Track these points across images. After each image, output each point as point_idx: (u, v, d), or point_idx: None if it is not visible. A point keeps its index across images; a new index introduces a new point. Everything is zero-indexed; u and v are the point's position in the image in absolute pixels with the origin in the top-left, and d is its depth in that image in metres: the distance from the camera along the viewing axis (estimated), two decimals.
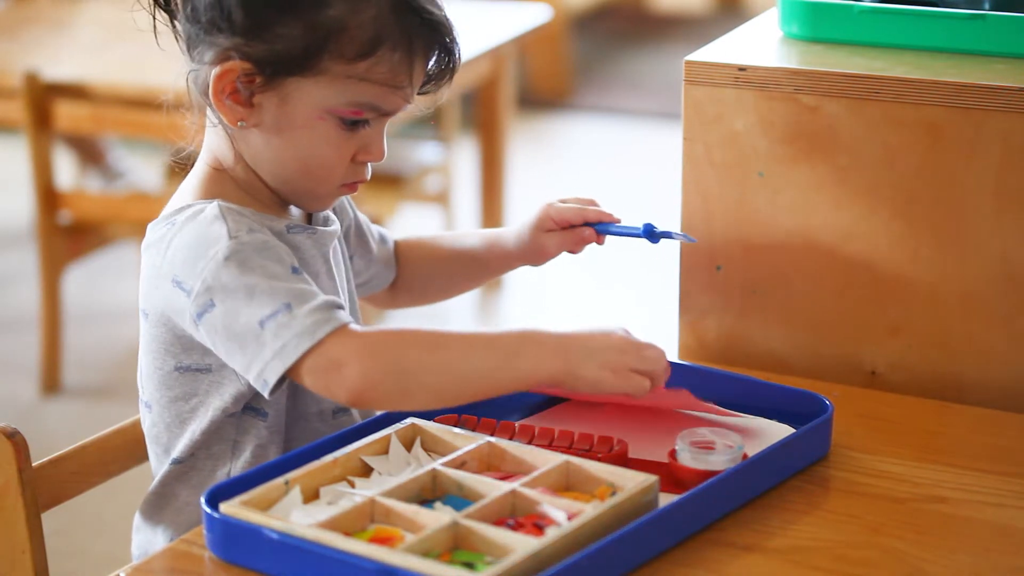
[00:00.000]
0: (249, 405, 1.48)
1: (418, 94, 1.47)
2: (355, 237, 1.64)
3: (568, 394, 1.55)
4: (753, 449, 1.45)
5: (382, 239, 1.69)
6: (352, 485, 1.37)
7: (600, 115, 5.53)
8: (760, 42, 1.75)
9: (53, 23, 3.80)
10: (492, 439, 1.41)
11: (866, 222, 1.65)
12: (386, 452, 1.42)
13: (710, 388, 1.57)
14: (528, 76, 5.66)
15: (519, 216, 1.77)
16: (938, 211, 1.62)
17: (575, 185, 4.82)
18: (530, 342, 1.37)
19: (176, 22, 1.46)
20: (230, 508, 1.30)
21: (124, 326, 3.69)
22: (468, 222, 4.28)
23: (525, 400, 1.57)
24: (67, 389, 3.49)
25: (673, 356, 1.74)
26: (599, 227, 1.62)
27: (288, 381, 1.37)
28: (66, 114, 3.27)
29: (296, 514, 1.32)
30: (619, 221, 1.62)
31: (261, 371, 1.35)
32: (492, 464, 1.41)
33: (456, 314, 3.92)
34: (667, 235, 1.60)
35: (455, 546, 1.28)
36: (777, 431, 1.51)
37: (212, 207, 1.43)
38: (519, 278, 4.03)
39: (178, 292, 1.40)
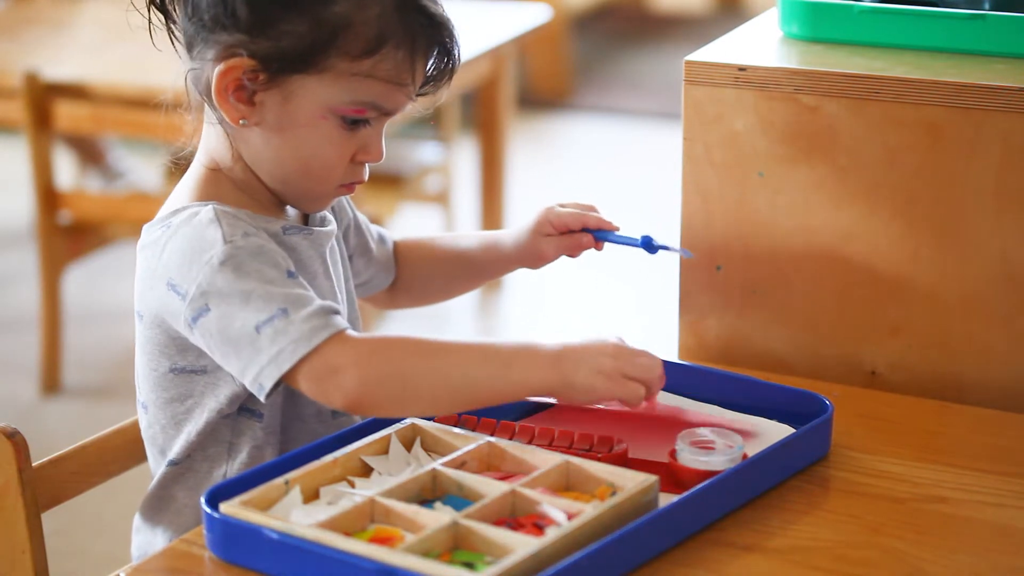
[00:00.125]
0: (244, 406, 1.48)
1: (418, 95, 1.47)
2: (354, 237, 1.64)
3: (565, 404, 1.55)
4: (753, 449, 1.45)
5: (381, 239, 1.69)
6: (352, 485, 1.37)
7: (600, 115, 5.54)
8: (760, 42, 1.75)
9: (53, 23, 3.80)
10: (492, 439, 1.41)
11: (866, 222, 1.65)
12: (386, 452, 1.42)
13: (710, 388, 1.57)
14: (528, 76, 5.66)
15: (519, 216, 1.77)
16: (938, 211, 1.62)
17: (575, 185, 4.82)
18: (525, 353, 1.37)
19: (172, 22, 1.45)
20: (230, 508, 1.30)
21: (124, 326, 3.69)
22: (468, 222, 4.28)
23: (525, 401, 1.57)
24: (67, 389, 3.49)
25: (673, 356, 1.74)
26: (598, 234, 1.62)
27: (284, 384, 1.37)
28: (66, 114, 3.27)
29: (296, 514, 1.32)
30: (618, 229, 1.62)
31: (257, 376, 1.36)
32: (492, 464, 1.41)
33: (456, 314, 3.92)
34: (665, 248, 1.59)
35: (455, 546, 1.28)
36: (777, 431, 1.51)
37: (207, 210, 1.42)
38: (519, 278, 4.03)
39: (173, 295, 1.40)
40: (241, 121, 1.43)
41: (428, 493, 1.36)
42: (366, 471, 1.40)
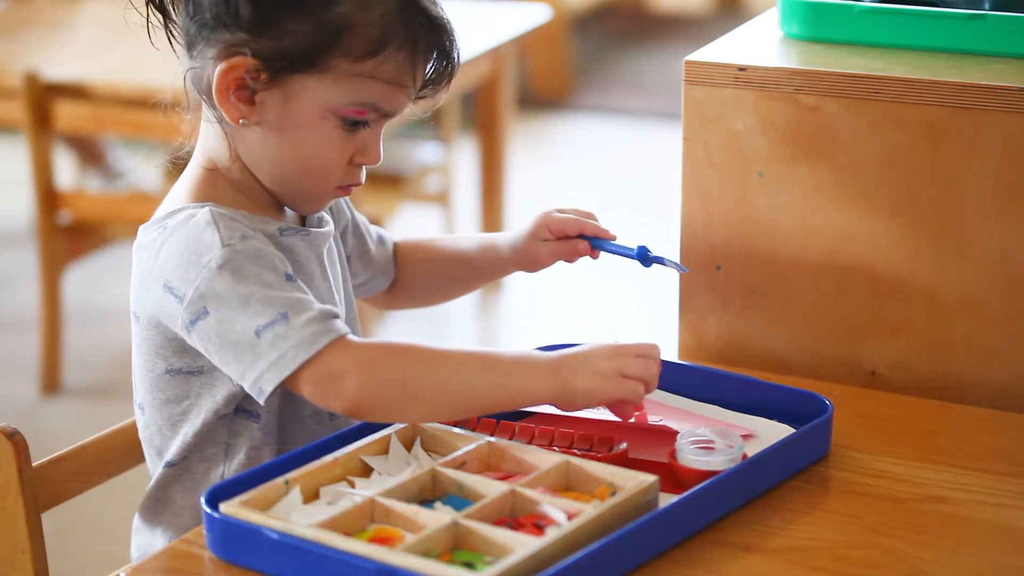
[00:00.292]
0: (241, 407, 1.47)
1: (417, 98, 1.47)
2: (352, 238, 1.64)
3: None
4: (753, 449, 1.45)
5: (381, 240, 1.68)
6: (352, 485, 1.37)
7: (600, 115, 5.53)
8: (760, 42, 1.75)
9: (53, 23, 3.80)
10: (492, 439, 1.41)
11: (866, 222, 1.65)
12: (386, 452, 1.42)
13: (710, 388, 1.57)
14: (528, 76, 5.66)
15: (519, 216, 1.77)
16: (938, 211, 1.62)
17: (575, 185, 4.82)
18: (525, 362, 1.38)
19: (171, 21, 1.45)
20: (230, 508, 1.30)
21: (124, 326, 3.66)
22: (468, 222, 4.28)
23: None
24: (67, 389, 3.49)
25: (673, 356, 1.74)
26: (594, 242, 1.62)
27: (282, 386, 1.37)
28: (66, 114, 3.27)
29: (296, 514, 1.31)
30: (615, 238, 1.62)
31: (257, 380, 1.36)
32: (492, 464, 1.41)
33: (456, 315, 3.92)
34: (660, 261, 1.59)
35: (455, 546, 1.28)
36: (777, 431, 1.51)
37: (204, 212, 1.42)
38: (519, 279, 4.03)
39: (170, 298, 1.40)
40: (241, 120, 1.43)
41: (428, 493, 1.36)
42: (366, 471, 1.40)
